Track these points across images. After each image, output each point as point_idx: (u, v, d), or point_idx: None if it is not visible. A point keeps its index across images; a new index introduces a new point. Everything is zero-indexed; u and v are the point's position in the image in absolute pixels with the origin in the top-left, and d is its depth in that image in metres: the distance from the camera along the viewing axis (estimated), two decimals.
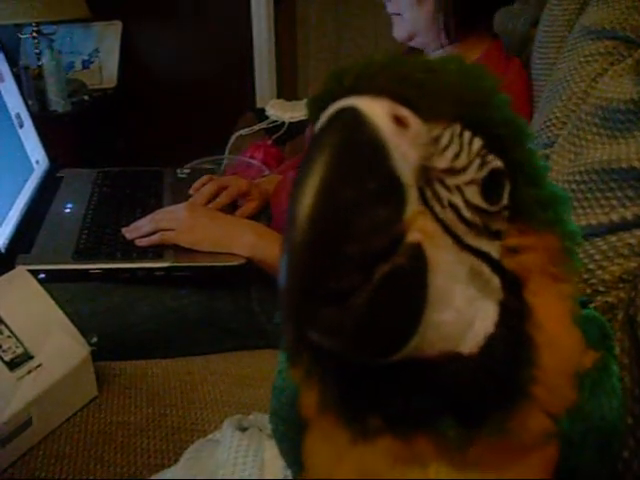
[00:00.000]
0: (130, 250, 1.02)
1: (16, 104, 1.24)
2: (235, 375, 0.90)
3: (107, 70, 2.35)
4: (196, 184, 1.19)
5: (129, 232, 1.05)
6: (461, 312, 0.30)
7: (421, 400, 0.31)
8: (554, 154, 0.77)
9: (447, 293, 0.30)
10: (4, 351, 0.72)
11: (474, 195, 0.31)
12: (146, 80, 2.40)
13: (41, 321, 0.78)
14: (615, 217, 0.60)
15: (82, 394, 0.79)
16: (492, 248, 0.32)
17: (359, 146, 0.28)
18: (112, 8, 2.29)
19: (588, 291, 0.57)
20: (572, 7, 0.97)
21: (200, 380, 0.87)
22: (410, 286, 0.29)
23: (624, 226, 0.59)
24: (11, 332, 0.74)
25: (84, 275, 0.98)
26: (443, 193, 0.30)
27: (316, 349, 0.29)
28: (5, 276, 0.80)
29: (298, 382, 0.36)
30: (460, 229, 0.31)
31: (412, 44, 1.13)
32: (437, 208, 0.30)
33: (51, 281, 0.90)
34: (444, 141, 0.30)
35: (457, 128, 0.31)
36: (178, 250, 1.01)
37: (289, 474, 0.56)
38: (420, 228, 0.29)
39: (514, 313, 0.32)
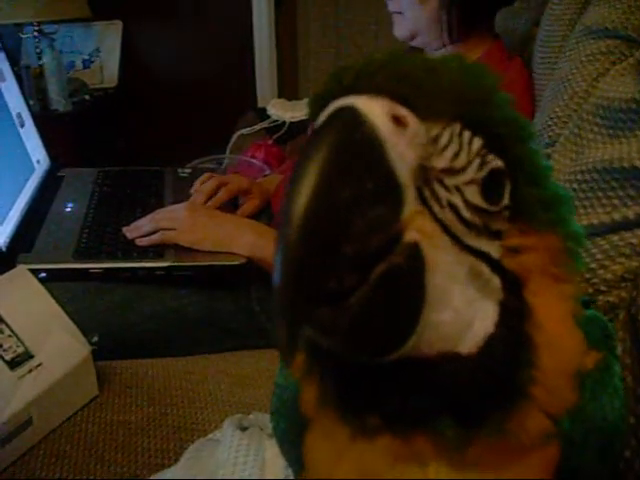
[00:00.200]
0: (131, 249, 1.02)
1: (17, 103, 1.24)
2: (235, 375, 0.90)
3: (108, 70, 2.35)
4: (196, 183, 1.19)
5: (130, 231, 1.05)
6: (460, 312, 0.30)
7: (419, 399, 0.31)
8: (555, 153, 0.77)
9: (446, 293, 0.30)
10: (5, 350, 0.72)
11: (474, 195, 0.31)
12: (147, 80, 2.40)
13: (42, 320, 0.78)
14: (617, 216, 0.60)
15: (83, 393, 0.79)
16: (492, 248, 0.32)
17: (356, 145, 0.28)
18: (113, 8, 2.29)
19: (590, 290, 0.57)
20: (574, 6, 0.97)
21: (200, 379, 0.87)
22: (407, 286, 0.29)
23: (626, 225, 0.59)
24: (12, 331, 0.74)
25: (85, 274, 0.98)
26: (442, 193, 0.30)
27: (313, 347, 0.29)
28: (6, 275, 0.80)
29: (298, 378, 0.36)
30: (459, 229, 0.30)
31: (413, 43, 1.13)
32: (436, 208, 0.30)
33: (52, 280, 0.90)
34: (443, 141, 0.30)
35: (457, 127, 0.30)
36: (178, 250, 1.01)
37: (290, 473, 0.56)
38: (418, 228, 0.29)
39: (514, 313, 0.32)
